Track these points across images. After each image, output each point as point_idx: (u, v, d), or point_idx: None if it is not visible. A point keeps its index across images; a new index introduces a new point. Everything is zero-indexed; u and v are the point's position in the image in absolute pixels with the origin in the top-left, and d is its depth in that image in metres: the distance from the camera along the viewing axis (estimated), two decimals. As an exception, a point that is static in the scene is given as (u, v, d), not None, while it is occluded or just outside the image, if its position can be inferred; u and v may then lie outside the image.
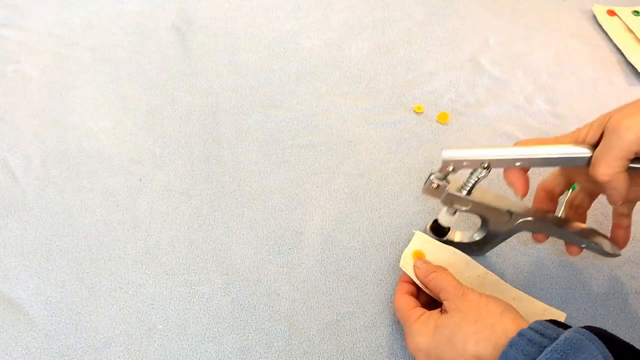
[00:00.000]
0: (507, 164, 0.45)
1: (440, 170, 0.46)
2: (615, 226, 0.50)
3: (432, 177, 0.48)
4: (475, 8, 0.81)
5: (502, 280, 0.52)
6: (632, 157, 0.41)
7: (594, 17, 0.80)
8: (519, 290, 0.52)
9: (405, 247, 0.56)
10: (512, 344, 0.38)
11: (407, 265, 0.51)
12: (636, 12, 0.80)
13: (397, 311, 0.49)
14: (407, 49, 0.75)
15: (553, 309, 0.51)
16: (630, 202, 0.49)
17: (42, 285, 0.53)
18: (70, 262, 0.55)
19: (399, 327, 0.52)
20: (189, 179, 0.62)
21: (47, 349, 0.50)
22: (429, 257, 0.52)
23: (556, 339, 0.37)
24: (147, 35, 0.75)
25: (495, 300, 0.43)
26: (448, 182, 0.48)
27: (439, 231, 0.54)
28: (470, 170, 0.47)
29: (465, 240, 0.54)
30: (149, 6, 0.78)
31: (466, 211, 0.49)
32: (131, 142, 0.64)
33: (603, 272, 0.56)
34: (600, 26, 0.79)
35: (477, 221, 0.54)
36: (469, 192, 0.48)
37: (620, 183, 0.42)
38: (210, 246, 0.57)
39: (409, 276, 0.50)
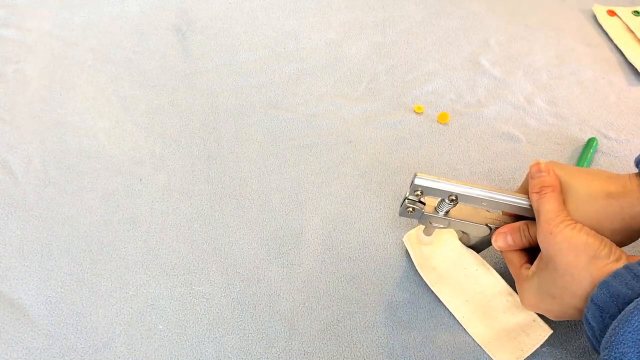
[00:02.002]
0: (474, 202, 0.46)
1: (410, 193, 0.47)
2: None
3: (406, 201, 0.48)
4: (475, 8, 0.81)
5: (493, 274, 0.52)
6: None
7: (594, 17, 0.80)
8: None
9: (405, 249, 0.56)
10: (616, 274, 0.36)
11: (411, 241, 0.53)
12: (636, 12, 0.80)
13: (508, 263, 0.48)
14: (407, 49, 0.75)
15: (541, 323, 0.50)
16: None
17: (42, 285, 0.53)
18: (70, 262, 0.55)
19: (399, 327, 0.52)
20: (189, 179, 0.62)
21: (47, 349, 0.50)
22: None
23: None
24: (147, 35, 0.75)
25: (586, 242, 0.40)
26: (424, 204, 0.48)
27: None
28: (439, 198, 0.48)
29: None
30: (149, 6, 0.78)
31: (445, 227, 0.50)
32: (131, 142, 0.64)
33: (603, 272, 0.56)
34: (600, 26, 0.79)
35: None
36: (446, 214, 0.49)
37: None
38: (210, 246, 0.57)
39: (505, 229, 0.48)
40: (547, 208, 0.42)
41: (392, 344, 0.51)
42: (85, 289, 0.53)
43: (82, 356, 0.50)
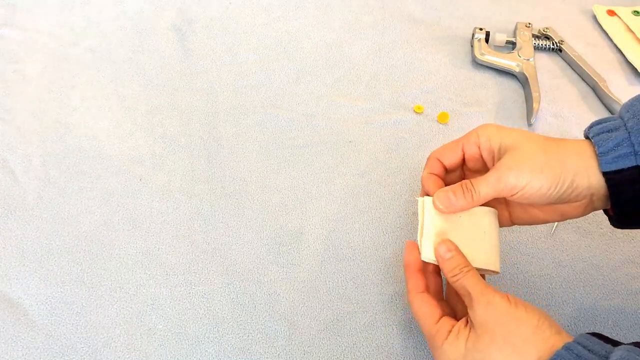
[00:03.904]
0: None
1: None
2: None
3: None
4: (475, 7, 0.81)
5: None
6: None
7: (594, 17, 0.80)
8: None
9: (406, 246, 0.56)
10: (558, 356, 0.36)
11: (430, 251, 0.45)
12: (636, 12, 0.80)
13: (417, 319, 0.44)
14: (407, 49, 0.75)
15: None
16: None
17: (42, 285, 0.53)
18: (70, 262, 0.55)
19: (399, 327, 0.52)
20: (189, 179, 0.62)
21: (47, 349, 0.50)
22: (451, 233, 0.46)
23: (606, 357, 0.35)
24: (147, 35, 0.75)
25: (526, 313, 0.40)
26: None
27: None
28: None
29: None
30: (149, 6, 0.78)
31: None
32: (131, 142, 0.64)
33: (603, 272, 0.56)
34: (600, 26, 0.79)
35: None
36: None
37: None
38: (210, 246, 0.57)
39: (419, 263, 0.45)
40: (475, 281, 0.42)
41: (392, 344, 0.51)
42: (85, 289, 0.53)
43: (82, 356, 0.50)
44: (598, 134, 0.43)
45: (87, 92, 0.69)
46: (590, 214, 0.57)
